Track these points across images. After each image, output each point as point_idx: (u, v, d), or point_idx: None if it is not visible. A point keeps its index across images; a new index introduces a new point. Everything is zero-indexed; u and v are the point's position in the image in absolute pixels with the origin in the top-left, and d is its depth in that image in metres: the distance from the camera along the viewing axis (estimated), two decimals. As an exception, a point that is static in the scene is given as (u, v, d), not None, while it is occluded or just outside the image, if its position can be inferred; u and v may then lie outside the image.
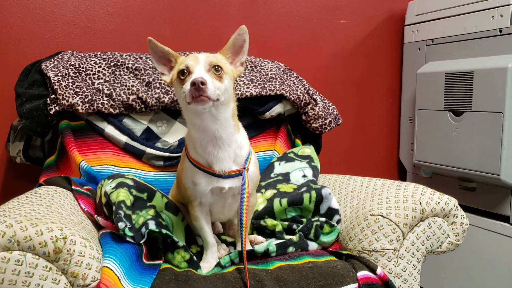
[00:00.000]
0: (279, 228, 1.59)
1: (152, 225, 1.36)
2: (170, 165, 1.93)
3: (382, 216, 1.45)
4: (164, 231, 1.34)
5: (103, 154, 1.87)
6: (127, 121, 1.93)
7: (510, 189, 2.14)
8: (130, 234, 1.31)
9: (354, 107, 2.78)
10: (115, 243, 1.29)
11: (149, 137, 1.96)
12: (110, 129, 1.90)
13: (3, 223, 1.13)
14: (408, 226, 1.45)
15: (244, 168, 1.37)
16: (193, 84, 1.22)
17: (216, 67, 1.29)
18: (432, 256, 2.48)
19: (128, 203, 1.41)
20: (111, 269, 1.19)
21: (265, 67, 2.14)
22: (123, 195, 1.41)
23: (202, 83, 1.21)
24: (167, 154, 1.92)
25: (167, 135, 1.99)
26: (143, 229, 1.35)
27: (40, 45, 2.16)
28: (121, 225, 1.31)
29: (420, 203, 1.47)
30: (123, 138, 1.90)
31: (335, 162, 2.74)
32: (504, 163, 2.08)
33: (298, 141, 2.14)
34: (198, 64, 1.28)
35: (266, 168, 1.94)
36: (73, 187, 1.60)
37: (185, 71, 1.29)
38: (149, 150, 1.91)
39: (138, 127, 1.94)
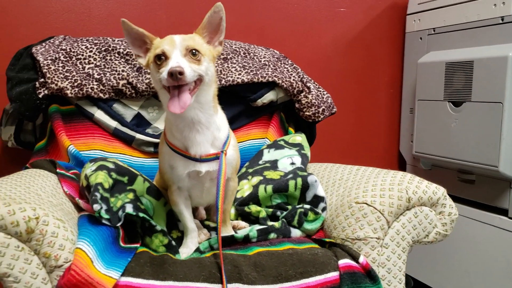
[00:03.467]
0: (262, 214, 1.57)
1: (129, 208, 1.34)
2: (160, 152, 1.92)
3: (366, 204, 1.42)
4: (141, 214, 1.32)
5: (92, 139, 1.87)
6: (117, 107, 1.92)
7: (509, 182, 2.09)
8: (106, 216, 1.30)
9: (354, 97, 2.74)
10: (90, 225, 1.28)
11: (140, 123, 1.94)
12: (99, 114, 1.89)
13: (-25, 202, 1.12)
14: (393, 214, 1.41)
15: (222, 152, 1.35)
16: (171, 74, 1.18)
17: (193, 51, 1.25)
18: (429, 249, 2.46)
19: (106, 186, 1.39)
20: (83, 251, 1.17)
21: (259, 54, 2.11)
22: (101, 178, 1.40)
23: (180, 73, 1.18)
24: (157, 140, 1.91)
25: (158, 121, 1.97)
26: (120, 212, 1.33)
27: (35, 30, 2.15)
28: (96, 207, 1.30)
29: (406, 191, 1.43)
30: (113, 124, 1.89)
31: (334, 153, 2.71)
32: (503, 155, 2.03)
33: (291, 130, 2.12)
34: (175, 49, 1.24)
35: (255, 155, 1.92)
36: (57, 170, 1.60)
37: (161, 56, 1.25)
38: (139, 136, 1.90)
39: (128, 113, 1.93)
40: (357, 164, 1.93)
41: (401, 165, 2.82)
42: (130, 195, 1.42)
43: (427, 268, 2.53)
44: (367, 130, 2.80)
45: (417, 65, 2.51)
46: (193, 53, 1.25)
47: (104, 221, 1.30)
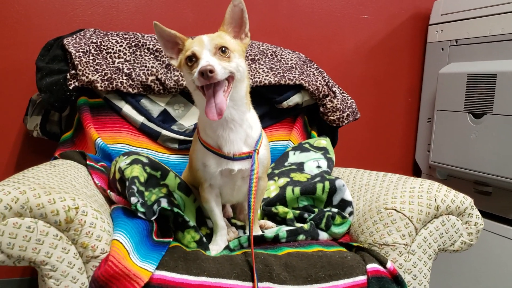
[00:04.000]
0: (290, 215, 1.58)
1: (164, 203, 1.36)
2: (185, 148, 1.93)
3: (395, 210, 1.43)
4: (175, 209, 1.34)
5: (119, 133, 1.88)
6: (144, 102, 1.93)
7: (527, 195, 2.10)
8: (142, 209, 1.31)
9: (373, 104, 2.75)
10: (126, 218, 1.29)
11: (166, 119, 1.96)
12: (127, 109, 1.90)
13: (17, 189, 1.14)
14: (421, 222, 1.43)
15: (255, 151, 1.36)
16: (202, 73, 1.19)
17: (223, 48, 1.26)
18: (442, 258, 2.46)
19: (142, 180, 1.40)
20: (120, 242, 1.19)
21: (286, 57, 2.12)
22: (137, 171, 1.41)
23: (211, 71, 1.18)
24: (182, 137, 1.92)
25: (183, 118, 1.99)
26: (155, 206, 1.35)
27: (63, 22, 2.16)
28: (133, 199, 1.31)
29: (435, 199, 1.45)
30: (140, 119, 1.91)
31: (350, 158, 2.72)
32: (523, 168, 2.04)
33: (314, 133, 2.13)
34: (204, 48, 1.25)
35: (280, 157, 1.93)
36: (87, 162, 1.61)
37: (192, 57, 1.26)
38: (164, 132, 1.91)
39: (155, 109, 1.95)
40: (372, 169, 1.94)
41: (416, 174, 2.83)
42: (164, 190, 1.43)
43: (440, 278, 2.54)
44: (383, 137, 2.82)
45: (438, 75, 2.52)
46: (222, 51, 1.26)
47: (139, 214, 1.31)
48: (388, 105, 2.79)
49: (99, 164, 1.67)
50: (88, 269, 1.19)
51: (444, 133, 2.49)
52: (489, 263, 2.26)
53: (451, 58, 2.54)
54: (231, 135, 1.34)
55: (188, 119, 1.99)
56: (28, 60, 2.10)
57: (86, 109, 1.85)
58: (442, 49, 2.61)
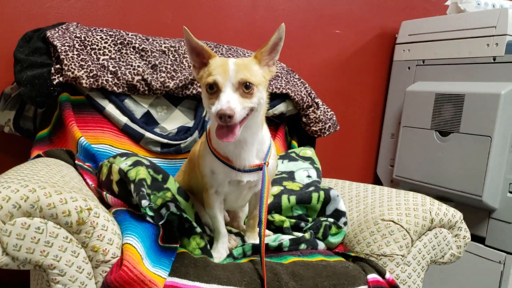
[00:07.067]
0: (286, 224, 1.58)
1: (173, 207, 1.30)
2: (167, 152, 1.89)
3: (393, 221, 1.47)
4: (184, 215, 1.30)
5: (101, 133, 1.80)
6: (128, 102, 1.87)
7: (489, 211, 2.21)
8: (151, 213, 1.26)
9: (337, 116, 2.79)
10: (135, 221, 1.24)
11: (148, 121, 1.90)
12: (111, 108, 1.83)
13: (25, 187, 1.06)
14: (417, 234, 1.47)
15: (264, 163, 1.32)
16: (220, 117, 1.13)
17: (247, 84, 1.18)
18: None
19: (148, 182, 1.35)
20: (134, 247, 1.13)
21: (270, 65, 2.12)
22: (143, 173, 1.35)
23: (230, 116, 1.13)
24: (165, 140, 1.87)
25: (166, 121, 1.94)
26: (163, 210, 1.29)
27: (39, 13, 2.05)
28: (144, 202, 1.26)
29: (430, 212, 1.49)
30: (124, 119, 1.84)
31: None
32: (487, 185, 2.15)
33: (294, 143, 2.14)
34: (227, 81, 1.17)
35: (268, 165, 1.92)
36: (76, 162, 1.53)
37: (213, 86, 1.19)
38: (148, 135, 1.85)
39: (138, 110, 1.89)
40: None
41: (377, 187, 2.91)
42: (169, 194, 1.38)
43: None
44: (346, 149, 2.87)
45: (405, 93, 2.62)
46: (246, 86, 1.18)
47: (148, 218, 1.26)
48: (352, 119, 2.86)
49: (86, 164, 1.59)
50: (97, 274, 1.12)
51: (409, 149, 2.58)
52: (451, 278, 2.35)
53: (417, 77, 2.64)
54: (243, 153, 1.30)
55: (170, 122, 1.94)
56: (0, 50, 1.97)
57: (68, 106, 1.75)
58: (409, 68, 2.71)
